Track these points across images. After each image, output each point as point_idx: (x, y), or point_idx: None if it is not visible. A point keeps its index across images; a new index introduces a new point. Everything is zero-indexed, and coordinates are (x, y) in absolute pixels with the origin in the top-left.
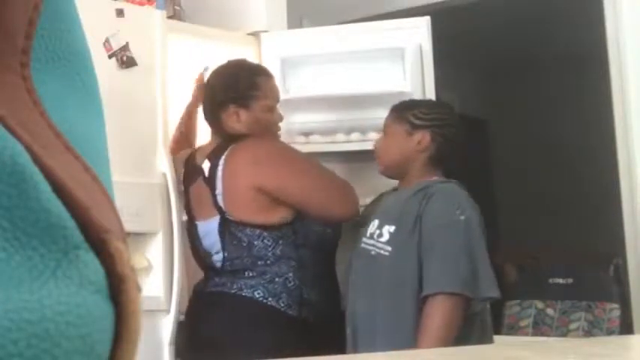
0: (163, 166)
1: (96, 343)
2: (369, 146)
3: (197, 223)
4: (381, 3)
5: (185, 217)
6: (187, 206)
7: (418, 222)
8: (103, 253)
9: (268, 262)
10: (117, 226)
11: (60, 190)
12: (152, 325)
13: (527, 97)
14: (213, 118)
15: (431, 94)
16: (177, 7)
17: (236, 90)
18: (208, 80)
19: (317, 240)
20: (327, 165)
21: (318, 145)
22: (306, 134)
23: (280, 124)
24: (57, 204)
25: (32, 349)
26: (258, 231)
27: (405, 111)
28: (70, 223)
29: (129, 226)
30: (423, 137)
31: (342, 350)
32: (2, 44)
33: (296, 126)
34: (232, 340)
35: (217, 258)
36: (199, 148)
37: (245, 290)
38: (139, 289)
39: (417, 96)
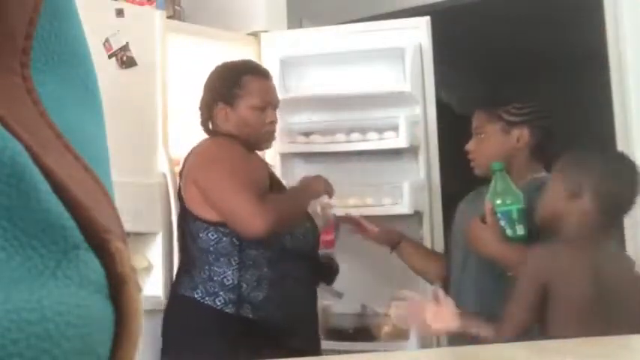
0: (163, 166)
1: (96, 343)
2: (369, 146)
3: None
4: (381, 3)
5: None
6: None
7: None
8: (103, 253)
9: (210, 258)
10: (117, 226)
11: (60, 190)
12: (152, 325)
13: (527, 97)
14: (206, 117)
15: (431, 94)
16: (177, 7)
17: (221, 88)
18: (207, 77)
19: (270, 242)
20: (327, 165)
21: (318, 145)
22: (306, 134)
23: (275, 127)
24: (57, 204)
25: (32, 350)
26: (205, 224)
27: (497, 108)
28: (70, 223)
29: (129, 226)
30: (521, 133)
31: (289, 350)
32: (2, 44)
33: (296, 126)
34: (177, 343)
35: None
36: None
37: (188, 291)
38: (139, 289)
39: (417, 96)
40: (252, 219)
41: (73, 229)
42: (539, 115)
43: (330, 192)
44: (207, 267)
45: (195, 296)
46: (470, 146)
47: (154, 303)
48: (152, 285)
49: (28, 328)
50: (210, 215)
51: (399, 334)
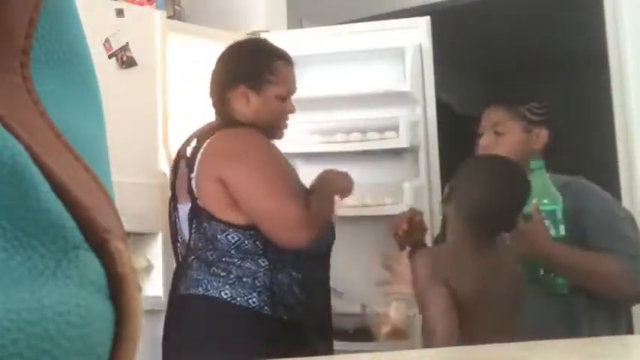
0: (163, 166)
1: (96, 343)
2: (369, 146)
3: (179, 205)
4: (381, 3)
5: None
6: (172, 187)
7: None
8: (103, 253)
9: (235, 259)
10: (117, 226)
11: (60, 189)
12: (152, 325)
13: (527, 97)
14: (219, 98)
15: (431, 94)
16: (177, 7)
17: (250, 69)
18: (221, 55)
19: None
20: (327, 165)
21: (318, 145)
22: (307, 134)
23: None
24: (57, 204)
25: (32, 350)
26: (222, 226)
27: (518, 106)
28: (70, 223)
29: (129, 226)
30: (540, 133)
31: (314, 351)
32: (2, 44)
33: (296, 126)
34: (205, 345)
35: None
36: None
37: (212, 291)
38: (139, 289)
39: (418, 96)
40: (298, 230)
41: (73, 229)
42: (554, 116)
43: (351, 189)
44: (232, 267)
45: (224, 297)
46: (485, 142)
47: (154, 303)
48: (152, 285)
49: (28, 328)
50: (233, 217)
51: (399, 334)
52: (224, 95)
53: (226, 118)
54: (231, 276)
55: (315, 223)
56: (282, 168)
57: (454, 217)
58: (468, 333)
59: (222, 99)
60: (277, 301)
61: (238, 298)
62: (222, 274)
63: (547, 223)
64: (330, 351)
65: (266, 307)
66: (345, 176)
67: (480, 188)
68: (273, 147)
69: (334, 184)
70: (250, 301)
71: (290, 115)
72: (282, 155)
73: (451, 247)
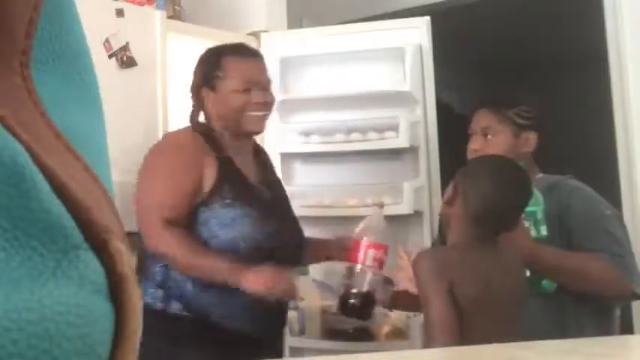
0: None
1: (96, 343)
2: (369, 146)
3: None
4: (381, 3)
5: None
6: None
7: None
8: (103, 252)
9: (161, 261)
10: (117, 226)
11: (60, 189)
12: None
13: (533, 98)
14: (194, 104)
15: (431, 94)
16: (177, 7)
17: (203, 72)
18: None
19: (223, 245)
20: (326, 165)
21: (318, 145)
22: (306, 134)
23: (267, 107)
24: (57, 204)
25: (32, 350)
26: None
27: (507, 110)
28: (70, 223)
29: (129, 226)
30: (529, 137)
31: (234, 348)
32: (2, 44)
33: (296, 126)
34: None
35: None
36: None
37: (145, 297)
38: (138, 289)
39: (418, 96)
40: (146, 234)
41: (73, 229)
42: (544, 119)
43: (290, 295)
44: (156, 271)
45: (149, 301)
46: (475, 145)
47: None
48: None
49: (29, 328)
50: None
51: (399, 334)
52: (196, 102)
53: (191, 121)
54: (157, 280)
55: (167, 240)
56: (174, 178)
57: (459, 218)
58: (471, 333)
59: (195, 105)
60: (170, 296)
61: (159, 303)
62: (148, 278)
63: (527, 224)
64: (260, 349)
65: (159, 303)
66: (261, 278)
67: (488, 188)
68: (194, 156)
69: (245, 277)
70: (146, 297)
71: (291, 116)
72: (194, 165)
73: (455, 248)
